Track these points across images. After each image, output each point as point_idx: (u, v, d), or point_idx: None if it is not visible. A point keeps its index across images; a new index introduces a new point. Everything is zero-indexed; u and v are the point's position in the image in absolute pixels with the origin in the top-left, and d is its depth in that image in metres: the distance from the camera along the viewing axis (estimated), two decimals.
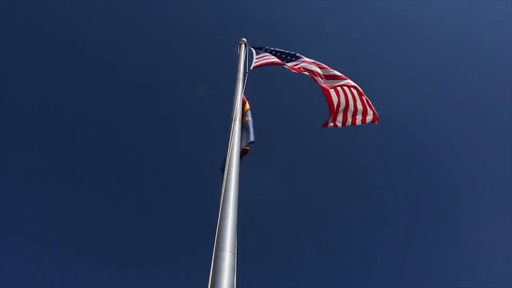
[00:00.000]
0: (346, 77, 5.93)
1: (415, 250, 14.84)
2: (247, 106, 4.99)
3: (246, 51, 5.92)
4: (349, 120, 6.06)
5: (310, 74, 5.88)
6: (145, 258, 14.06)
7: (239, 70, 5.28)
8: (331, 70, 5.94)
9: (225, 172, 3.42)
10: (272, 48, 6.27)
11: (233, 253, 2.76)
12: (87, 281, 12.76)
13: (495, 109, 15.28)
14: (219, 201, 3.20)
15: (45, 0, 14.93)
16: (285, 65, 6.00)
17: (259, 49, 6.25)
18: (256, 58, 5.95)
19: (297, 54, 6.21)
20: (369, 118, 6.10)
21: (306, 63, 5.97)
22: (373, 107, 6.12)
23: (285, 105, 15.61)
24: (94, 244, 13.72)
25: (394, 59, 16.71)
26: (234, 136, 3.91)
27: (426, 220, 15.59)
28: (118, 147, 15.58)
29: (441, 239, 15.09)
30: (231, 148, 3.73)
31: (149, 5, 15.83)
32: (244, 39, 6.01)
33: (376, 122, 6.15)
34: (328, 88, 5.77)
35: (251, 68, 5.67)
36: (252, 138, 4.51)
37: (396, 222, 15.59)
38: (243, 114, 4.77)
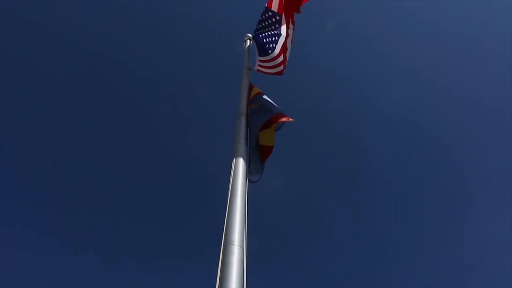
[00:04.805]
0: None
1: (421, 249, 14.83)
2: (255, 91, 4.94)
3: (251, 46, 5.91)
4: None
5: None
6: (154, 253, 14.14)
7: (245, 66, 5.33)
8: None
9: (232, 165, 3.45)
10: (263, 30, 6.03)
11: (242, 247, 2.77)
12: (89, 280, 12.84)
13: (502, 105, 15.22)
14: (227, 195, 3.22)
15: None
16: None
17: (260, 39, 5.98)
18: (260, 61, 5.79)
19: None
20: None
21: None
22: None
23: (296, 101, 15.54)
24: (100, 242, 13.80)
25: (395, 57, 16.70)
26: (240, 130, 3.99)
27: (434, 219, 15.57)
28: (122, 144, 15.61)
29: (444, 238, 15.08)
30: (238, 142, 3.79)
31: (150, 2, 15.85)
32: (249, 35, 6.01)
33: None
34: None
35: (255, 69, 5.66)
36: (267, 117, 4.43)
37: (400, 221, 15.58)
38: (249, 103, 4.77)
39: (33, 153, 14.31)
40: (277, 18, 5.96)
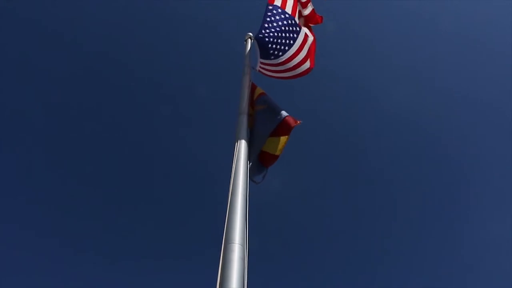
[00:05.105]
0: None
1: (421, 249, 14.82)
2: (258, 91, 4.93)
3: (252, 45, 5.87)
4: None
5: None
6: (154, 253, 14.14)
7: (246, 64, 5.30)
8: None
9: (233, 164, 3.44)
10: (270, 24, 5.68)
11: (243, 245, 2.77)
12: (89, 280, 12.83)
13: (502, 105, 15.21)
14: (228, 194, 3.21)
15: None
16: (293, 73, 5.87)
17: (263, 36, 5.65)
18: (263, 63, 5.66)
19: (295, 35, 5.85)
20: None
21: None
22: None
23: (296, 101, 15.57)
24: (100, 242, 13.79)
25: (395, 57, 16.71)
26: (241, 129, 3.98)
27: (434, 219, 15.56)
28: (122, 144, 15.60)
29: (444, 238, 15.07)
30: (239, 141, 3.78)
31: (150, 2, 15.84)
32: (250, 33, 5.97)
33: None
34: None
35: (257, 69, 5.61)
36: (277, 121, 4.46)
37: (400, 221, 15.57)
38: (253, 103, 4.77)
39: (33, 153, 14.32)
40: (291, 21, 5.77)
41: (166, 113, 15.49)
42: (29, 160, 14.17)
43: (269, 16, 5.65)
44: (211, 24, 16.44)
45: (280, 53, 5.63)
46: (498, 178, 15.00)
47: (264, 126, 4.50)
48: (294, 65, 5.80)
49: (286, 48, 5.66)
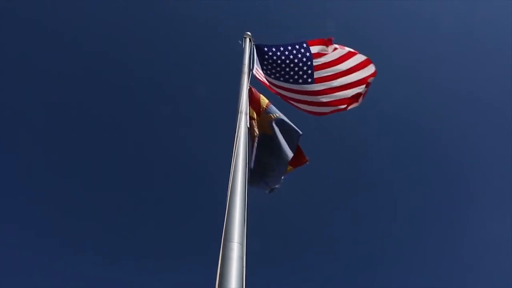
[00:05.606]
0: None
1: (421, 249, 14.82)
2: (265, 101, 5.04)
3: (251, 45, 5.87)
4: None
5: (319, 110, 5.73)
6: (154, 253, 14.16)
7: (244, 64, 5.29)
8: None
9: (232, 163, 3.43)
10: (279, 49, 5.74)
11: (242, 244, 2.76)
12: (89, 280, 12.83)
13: (502, 105, 15.21)
14: (227, 193, 3.20)
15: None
16: (289, 100, 5.80)
17: (264, 50, 5.83)
18: (258, 69, 5.74)
19: (311, 72, 5.75)
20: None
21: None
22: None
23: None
24: (100, 242, 13.79)
25: (395, 57, 16.70)
26: (240, 128, 3.97)
27: (434, 220, 15.56)
28: (122, 144, 15.61)
29: (444, 238, 15.06)
30: (238, 140, 3.77)
31: (150, 2, 15.85)
32: (249, 33, 5.97)
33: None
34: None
35: (253, 71, 5.58)
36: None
37: (400, 222, 15.56)
38: (262, 111, 4.86)
39: (33, 153, 14.33)
40: (309, 67, 5.75)
41: (166, 113, 15.51)
42: (29, 160, 14.18)
43: (291, 46, 5.79)
44: (211, 24, 16.45)
45: (272, 76, 5.76)
46: (498, 178, 15.02)
47: (288, 143, 4.93)
48: (307, 101, 5.82)
49: (284, 78, 5.72)
